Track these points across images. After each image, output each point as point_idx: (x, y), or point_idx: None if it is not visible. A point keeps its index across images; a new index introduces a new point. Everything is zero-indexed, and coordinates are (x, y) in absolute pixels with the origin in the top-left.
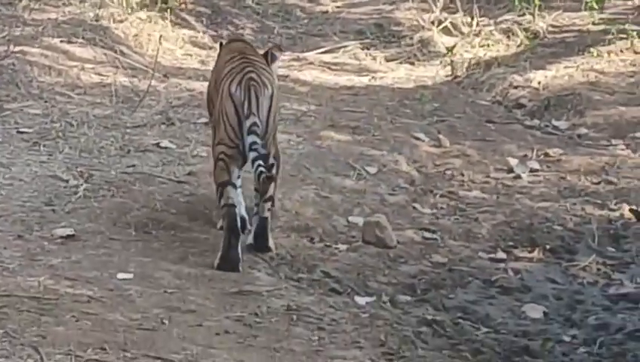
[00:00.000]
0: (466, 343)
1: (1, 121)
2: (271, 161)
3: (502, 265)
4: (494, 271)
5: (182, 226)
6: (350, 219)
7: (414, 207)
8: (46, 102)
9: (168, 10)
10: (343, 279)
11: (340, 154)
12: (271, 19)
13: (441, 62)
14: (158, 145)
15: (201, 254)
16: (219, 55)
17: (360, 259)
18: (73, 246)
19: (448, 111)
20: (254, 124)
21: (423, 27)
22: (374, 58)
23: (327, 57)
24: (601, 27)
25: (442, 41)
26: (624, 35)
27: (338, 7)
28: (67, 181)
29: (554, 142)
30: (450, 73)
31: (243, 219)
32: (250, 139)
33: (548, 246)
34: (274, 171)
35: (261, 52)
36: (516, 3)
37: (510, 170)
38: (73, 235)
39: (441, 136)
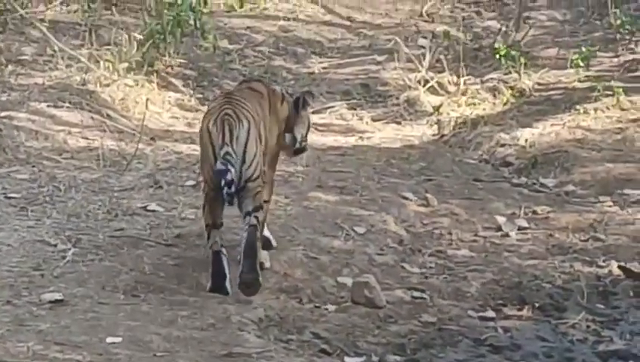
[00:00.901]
0: None
1: None
2: (255, 206)
3: (491, 323)
4: (484, 330)
5: (171, 289)
6: (339, 279)
7: (403, 267)
8: (33, 166)
9: (154, 73)
10: (332, 340)
11: (328, 214)
12: None
13: (427, 122)
14: (145, 208)
15: (190, 317)
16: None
17: (349, 320)
18: (62, 311)
19: (436, 170)
20: (227, 153)
21: (409, 87)
22: (361, 118)
23: (313, 118)
24: (587, 84)
25: (429, 101)
26: (610, 92)
27: (324, 68)
28: (55, 245)
29: (541, 199)
30: (436, 132)
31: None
32: (221, 166)
33: (537, 304)
34: (260, 215)
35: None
36: (502, 62)
37: (498, 229)
38: (62, 300)
39: (428, 196)
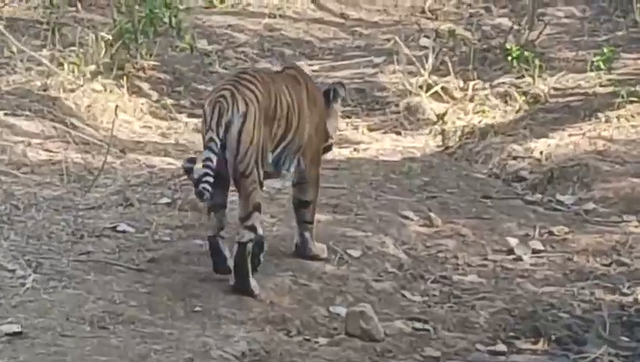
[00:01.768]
0: None
1: None
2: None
3: (502, 358)
4: None
5: (143, 320)
6: (331, 309)
7: (403, 295)
8: None
9: (125, 77)
10: None
11: (319, 236)
12: None
13: (430, 132)
14: (114, 229)
15: (164, 351)
16: None
17: (343, 354)
18: (21, 345)
19: (440, 186)
20: (210, 139)
21: (410, 92)
22: (356, 128)
23: None
24: (610, 89)
25: (432, 108)
26: (635, 98)
27: (315, 71)
28: (13, 271)
29: (558, 219)
30: (441, 143)
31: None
32: (204, 154)
33: (554, 337)
34: (254, 222)
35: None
36: (514, 64)
37: (510, 252)
38: (21, 332)
39: (432, 215)
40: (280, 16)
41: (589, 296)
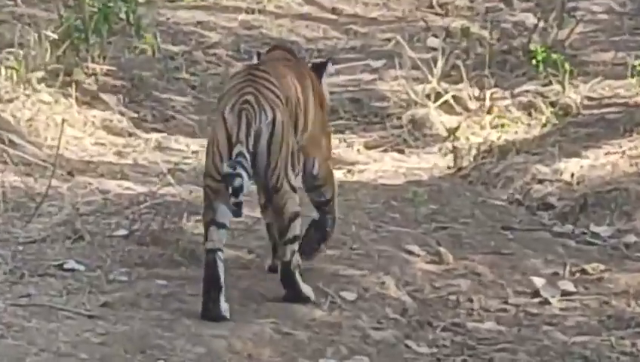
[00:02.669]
0: None
1: None
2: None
3: None
4: None
5: None
6: None
7: (407, 346)
8: None
9: (73, 84)
10: None
11: (306, 275)
12: (211, 94)
13: (440, 150)
14: (61, 267)
15: None
16: None
17: None
18: None
19: (451, 215)
20: (240, 153)
21: (415, 103)
22: (350, 145)
23: None
24: None
25: (441, 121)
26: None
27: None
28: None
29: (593, 254)
30: (452, 164)
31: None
32: (225, 168)
33: None
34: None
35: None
36: (540, 69)
37: (535, 294)
38: None
39: (441, 249)
40: (259, 11)
41: (629, 347)
